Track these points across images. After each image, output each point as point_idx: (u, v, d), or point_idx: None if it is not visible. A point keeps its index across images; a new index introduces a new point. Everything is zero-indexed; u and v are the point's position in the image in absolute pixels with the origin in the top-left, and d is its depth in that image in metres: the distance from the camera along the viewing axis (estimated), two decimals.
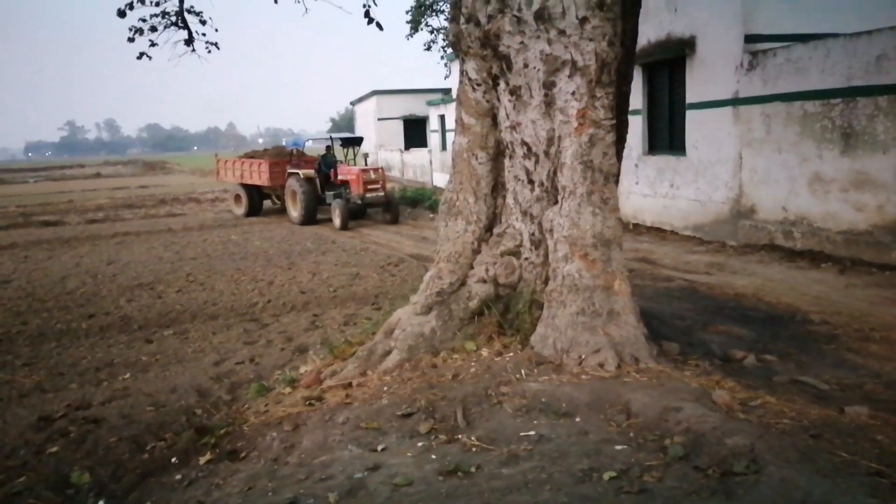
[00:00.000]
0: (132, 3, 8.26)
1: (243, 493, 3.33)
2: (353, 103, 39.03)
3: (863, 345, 5.09)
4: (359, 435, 3.83)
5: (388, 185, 16.89)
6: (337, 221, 15.33)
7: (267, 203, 18.69)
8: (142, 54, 8.67)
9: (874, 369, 4.56)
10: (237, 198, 18.67)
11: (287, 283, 9.36)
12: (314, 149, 19.70)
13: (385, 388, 4.38)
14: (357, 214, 16.07)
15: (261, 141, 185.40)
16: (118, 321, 7.75)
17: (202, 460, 3.98)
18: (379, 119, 31.90)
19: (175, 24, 8.87)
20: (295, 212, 16.38)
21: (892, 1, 9.46)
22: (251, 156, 18.81)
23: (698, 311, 6.13)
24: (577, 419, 3.65)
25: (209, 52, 9.41)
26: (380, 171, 16.05)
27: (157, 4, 8.54)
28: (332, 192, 15.93)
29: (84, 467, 4.21)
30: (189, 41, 9.08)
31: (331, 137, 17.87)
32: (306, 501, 3.10)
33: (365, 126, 34.71)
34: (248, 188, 18.16)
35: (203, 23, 9.13)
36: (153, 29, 8.60)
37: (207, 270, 10.55)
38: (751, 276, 7.99)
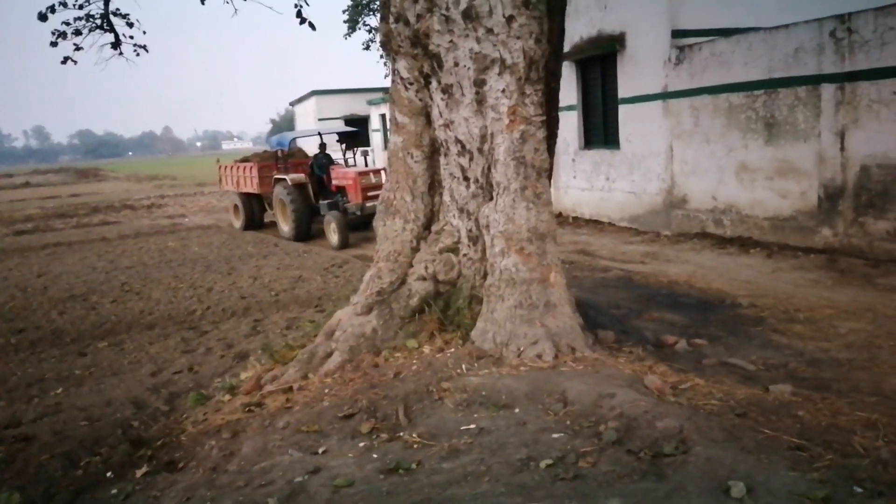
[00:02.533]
0: (54, 5, 7.94)
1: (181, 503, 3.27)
2: (292, 104, 38.50)
3: (788, 326, 5.33)
4: (299, 439, 3.80)
5: None
6: (334, 238, 12.36)
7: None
8: (66, 59, 8.35)
9: (798, 349, 4.78)
10: (235, 208, 16.27)
11: (227, 288, 9.18)
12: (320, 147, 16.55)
13: (326, 391, 4.36)
14: (358, 227, 12.71)
15: (198, 144, 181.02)
16: (49, 335, 7.46)
17: (139, 473, 3.88)
18: (319, 119, 31.52)
19: (100, 26, 8.57)
20: (285, 225, 13.85)
21: None
22: (245, 160, 16.33)
23: (633, 300, 6.31)
24: (517, 410, 3.70)
25: (137, 55, 9.13)
26: (381, 172, 12.64)
27: (81, 7, 8.23)
28: (326, 202, 13.01)
29: (14, 487, 4.05)
30: (116, 44, 8.79)
31: (319, 133, 14.81)
32: None
33: (305, 127, 34.25)
34: (246, 197, 15.71)
35: (130, 25, 8.84)
36: (77, 32, 8.29)
37: (144, 279, 10.26)
38: (684, 263, 8.26)
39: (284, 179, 13.56)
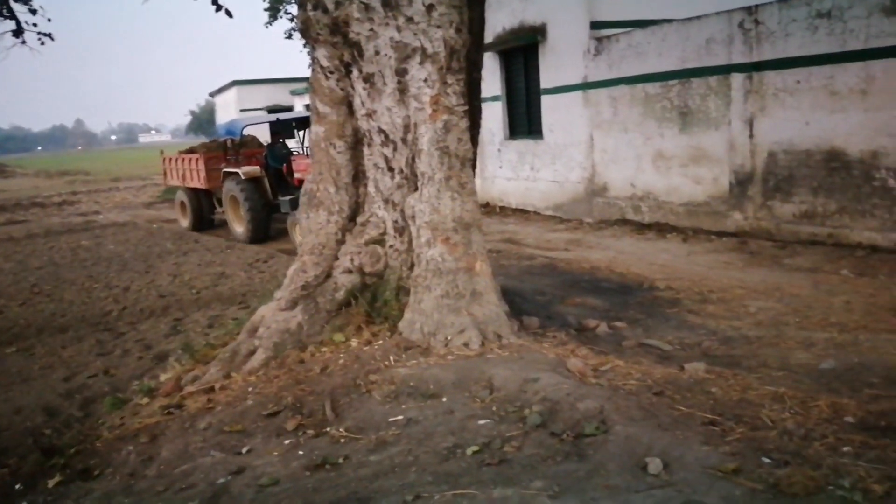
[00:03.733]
0: None
1: None
2: (212, 94, 37.30)
3: (702, 306, 5.57)
4: (222, 439, 3.70)
5: None
6: (298, 238, 10.91)
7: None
8: None
9: (711, 328, 5.00)
10: (182, 206, 14.41)
11: (145, 287, 8.83)
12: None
13: (250, 389, 4.25)
14: None
15: (113, 138, 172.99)
16: None
17: (51, 483, 3.68)
18: (241, 110, 30.68)
19: (0, 13, 8.04)
20: (239, 226, 12.13)
21: None
22: (191, 150, 14.31)
23: (557, 286, 6.44)
24: (444, 399, 3.72)
25: (42, 43, 8.62)
26: None
27: None
28: (287, 198, 10.89)
29: None
30: (18, 32, 8.26)
31: (278, 120, 12.49)
32: None
33: (227, 118, 33.27)
34: (193, 193, 13.83)
35: (33, 12, 8.31)
36: None
37: (55, 280, 9.74)
38: (605, 249, 8.50)
39: (236, 173, 11.72)
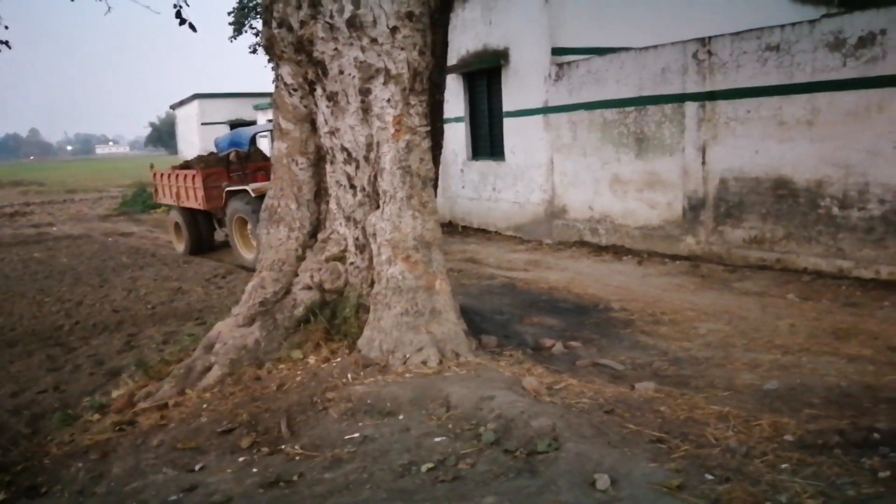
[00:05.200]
0: None
1: None
2: (173, 107, 36.77)
3: (654, 327, 5.71)
4: (175, 456, 3.66)
5: None
6: None
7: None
8: None
9: (662, 349, 5.14)
10: (176, 227, 12.75)
11: (98, 302, 8.64)
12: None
13: (204, 406, 4.22)
14: None
15: (69, 148, 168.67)
16: None
17: None
18: (203, 123, 30.34)
19: None
20: (247, 251, 10.71)
21: (676, 19, 10.70)
22: (186, 166, 12.74)
23: (516, 306, 6.53)
24: (401, 417, 3.75)
25: None
26: None
27: None
28: None
29: None
30: None
31: None
32: None
33: (188, 131, 32.88)
34: (189, 214, 12.24)
35: None
36: None
37: (5, 293, 9.47)
38: (563, 270, 8.64)
39: (244, 191, 10.34)
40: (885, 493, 2.59)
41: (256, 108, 28.61)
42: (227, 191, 10.90)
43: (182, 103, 34.01)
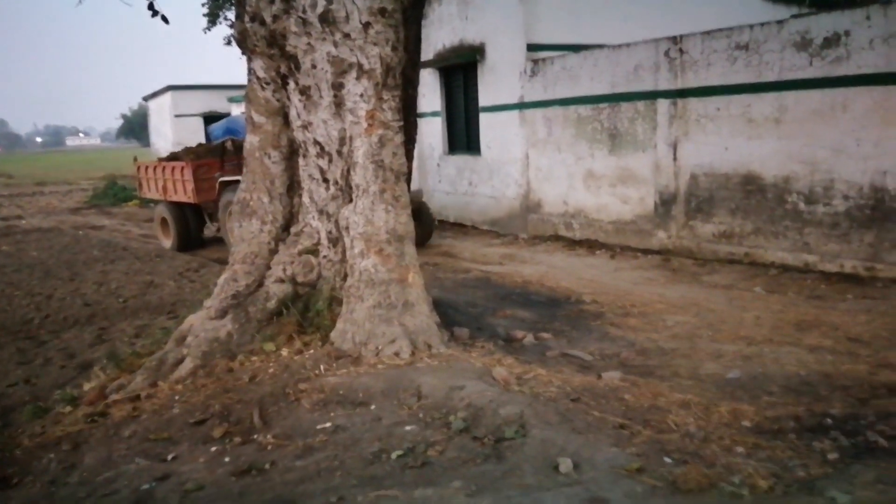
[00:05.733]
0: None
1: None
2: (146, 99, 36.31)
3: (623, 319, 5.83)
4: (147, 447, 3.69)
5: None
6: None
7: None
8: None
9: (630, 340, 5.26)
10: (163, 223, 12.14)
11: (69, 295, 8.56)
12: None
13: (177, 398, 4.24)
14: None
15: (39, 140, 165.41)
16: None
17: None
18: (176, 115, 30.02)
19: None
20: None
21: (649, 17, 10.85)
22: (173, 157, 12.29)
23: (489, 299, 6.62)
24: (373, 406, 3.81)
25: None
26: None
27: None
28: None
29: None
30: None
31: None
32: None
33: (161, 123, 32.52)
34: (177, 208, 11.70)
35: None
36: None
37: None
38: (537, 264, 8.75)
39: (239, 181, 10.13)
40: (833, 473, 2.71)
41: (231, 100, 28.36)
42: (222, 181, 10.39)
43: (155, 95, 33.60)
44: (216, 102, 29.46)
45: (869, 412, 3.49)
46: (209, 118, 29.94)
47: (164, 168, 11.66)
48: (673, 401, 3.66)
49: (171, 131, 30.21)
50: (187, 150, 12.28)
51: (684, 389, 3.98)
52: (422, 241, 9.84)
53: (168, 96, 30.67)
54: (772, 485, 2.61)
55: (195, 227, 11.86)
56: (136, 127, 73.50)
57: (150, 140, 37.85)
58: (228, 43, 27.24)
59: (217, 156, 11.18)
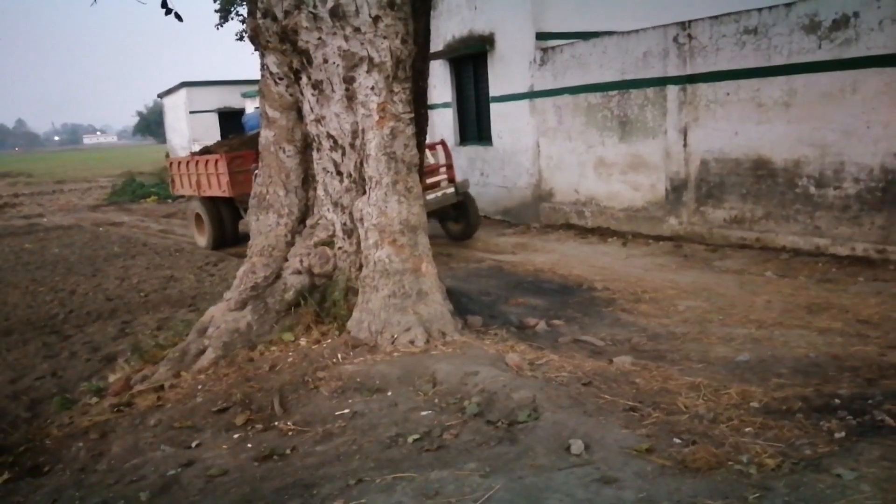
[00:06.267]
0: None
1: None
2: (160, 96, 36.58)
3: (635, 305, 5.89)
4: (172, 435, 3.82)
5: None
6: None
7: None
8: None
9: (642, 325, 5.32)
10: (197, 219, 11.72)
11: (92, 290, 8.75)
12: None
13: (199, 387, 4.37)
14: None
15: (56, 139, 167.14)
16: None
17: None
18: (191, 112, 30.24)
19: None
20: None
21: (657, 3, 10.81)
22: (206, 151, 11.85)
23: (502, 287, 6.70)
24: (389, 393, 3.92)
25: None
26: (440, 147, 9.91)
27: None
28: None
29: None
30: None
31: None
32: (117, 503, 3.08)
33: (176, 120, 32.76)
34: (212, 204, 11.26)
35: None
36: None
37: None
38: (549, 253, 8.81)
39: None
40: (839, 451, 2.77)
41: (244, 95, 28.52)
42: (257, 173, 10.11)
43: (169, 92, 33.84)
44: (230, 98, 29.64)
45: (877, 392, 3.53)
46: (224, 114, 30.19)
47: (197, 162, 11.26)
48: (683, 384, 3.73)
49: (187, 128, 30.45)
50: (220, 144, 11.98)
51: (694, 373, 4.04)
52: (467, 235, 10.03)
53: (183, 93, 30.89)
54: (779, 463, 2.68)
55: (231, 223, 11.51)
56: (152, 124, 73.99)
57: (165, 137, 38.14)
58: (241, 39, 27.37)
59: (252, 147, 10.58)
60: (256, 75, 5.59)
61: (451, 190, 9.42)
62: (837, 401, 3.39)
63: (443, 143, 9.95)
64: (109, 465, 3.59)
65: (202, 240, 11.64)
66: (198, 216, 11.60)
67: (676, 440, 2.95)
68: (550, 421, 3.17)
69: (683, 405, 3.39)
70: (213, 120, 30.35)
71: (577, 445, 2.88)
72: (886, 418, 3.09)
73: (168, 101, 34.82)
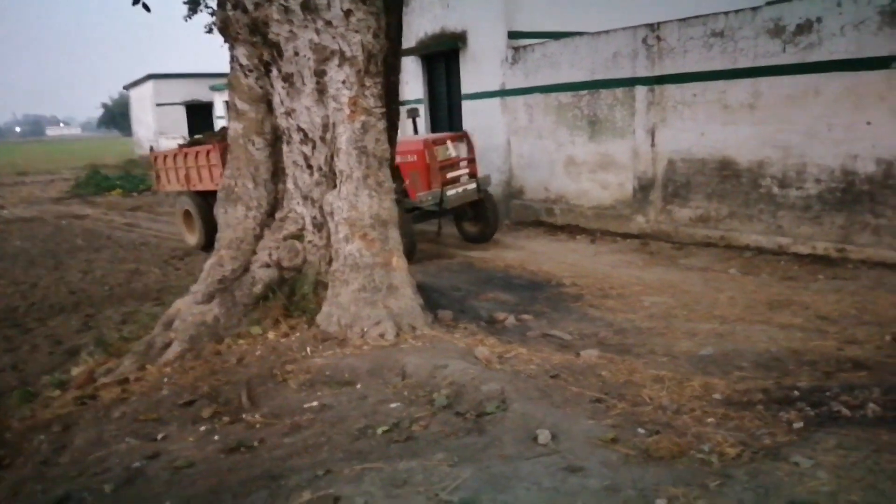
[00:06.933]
0: None
1: (8, 499, 3.16)
2: (127, 87, 35.94)
3: (602, 301, 5.98)
4: (137, 427, 3.77)
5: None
6: None
7: None
8: None
9: (608, 320, 5.40)
10: (186, 216, 10.68)
11: (54, 283, 8.56)
12: None
13: (165, 380, 4.32)
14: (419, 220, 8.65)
15: (18, 130, 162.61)
16: None
17: None
18: (158, 104, 29.78)
19: None
20: None
21: (628, 4, 10.96)
22: (195, 142, 10.70)
23: (472, 283, 6.74)
24: (358, 386, 3.92)
25: None
26: (464, 137, 9.10)
27: None
28: None
29: None
30: None
31: None
32: (80, 495, 3.04)
33: (142, 112, 32.26)
34: (203, 199, 10.17)
35: None
36: None
37: None
38: (519, 249, 8.87)
39: None
40: (798, 441, 2.86)
41: (213, 88, 28.15)
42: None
43: (136, 84, 33.28)
44: (198, 91, 29.26)
45: (834, 385, 3.64)
46: (192, 107, 29.79)
47: (185, 154, 10.32)
48: (647, 376, 3.81)
49: (153, 120, 30.00)
50: (210, 133, 11.20)
51: (659, 366, 4.12)
52: (485, 237, 9.17)
53: (150, 85, 30.41)
54: (739, 452, 2.75)
55: None
56: (117, 116, 72.56)
57: (131, 129, 37.43)
58: (209, 31, 26.95)
59: None
60: (226, 68, 5.54)
61: (474, 185, 8.76)
62: (796, 393, 3.49)
63: (466, 133, 9.17)
64: (72, 457, 3.52)
65: (192, 238, 10.65)
66: (187, 213, 10.67)
67: (641, 430, 3.01)
68: (518, 412, 3.20)
69: (648, 397, 3.46)
70: (181, 113, 29.94)
71: (544, 435, 2.92)
72: (843, 409, 3.19)
73: (134, 93, 34.23)
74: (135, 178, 21.84)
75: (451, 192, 8.28)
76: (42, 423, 3.96)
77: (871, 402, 3.22)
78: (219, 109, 28.06)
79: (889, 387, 3.46)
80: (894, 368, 3.95)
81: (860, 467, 2.49)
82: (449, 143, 8.66)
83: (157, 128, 29.60)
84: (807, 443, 2.82)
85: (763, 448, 2.82)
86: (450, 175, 8.47)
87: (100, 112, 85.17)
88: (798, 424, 3.07)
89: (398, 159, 8.02)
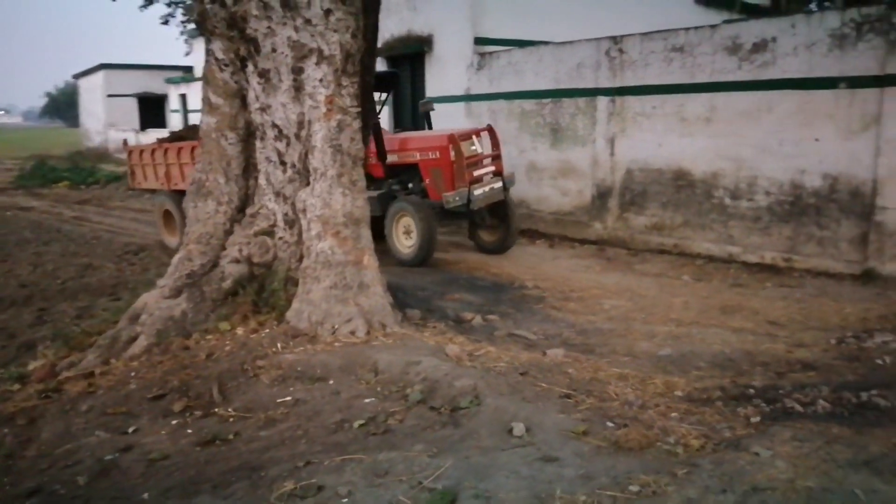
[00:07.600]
0: None
1: None
2: (76, 77, 34.79)
3: (564, 303, 6.15)
4: (106, 420, 3.74)
5: None
6: (404, 249, 7.90)
7: None
8: None
9: (571, 321, 5.57)
10: (166, 216, 9.94)
11: (2, 276, 8.29)
12: None
13: (132, 374, 4.28)
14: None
15: None
16: None
17: None
18: (109, 95, 28.94)
19: None
20: None
21: (592, 16, 11.25)
22: (177, 138, 10.03)
23: (437, 283, 6.83)
24: (331, 382, 3.96)
25: None
26: (488, 131, 8.35)
27: None
28: (378, 192, 8.15)
29: None
30: None
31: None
32: (52, 487, 3.01)
33: (91, 103, 31.26)
34: (182, 197, 8.93)
35: None
36: None
37: None
38: (481, 252, 9.01)
39: None
40: (756, 433, 3.05)
41: (168, 81, 27.55)
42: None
43: (86, 73, 32.25)
44: (152, 83, 28.55)
45: (786, 384, 3.87)
46: (144, 99, 29.05)
47: (166, 150, 9.61)
48: (612, 374, 3.97)
49: (103, 111, 29.14)
50: (191, 128, 10.57)
51: (622, 365, 4.30)
52: (504, 246, 8.46)
53: (101, 75, 29.51)
54: (703, 444, 2.93)
55: None
56: (62, 106, 70.09)
57: (78, 120, 36.23)
58: (165, 22, 26.42)
59: None
60: (181, 61, 5.50)
61: (500, 184, 7.96)
62: (752, 390, 3.70)
63: (490, 128, 8.39)
64: (40, 450, 3.47)
65: (173, 240, 9.65)
66: (167, 213, 9.91)
67: (609, 423, 3.16)
68: (492, 406, 3.31)
69: (614, 393, 3.61)
70: (133, 105, 29.19)
71: (518, 428, 3.03)
72: (796, 405, 3.41)
73: (84, 83, 33.17)
74: (83, 170, 21.18)
75: (477, 191, 7.61)
76: (5, 417, 3.86)
77: (822, 399, 3.45)
78: (173, 103, 27.47)
79: (837, 385, 3.70)
80: (841, 370, 4.21)
81: (814, 457, 2.69)
82: (473, 138, 7.98)
83: (107, 119, 28.78)
84: (764, 435, 3.01)
85: (724, 440, 3.00)
86: (476, 173, 7.81)
87: (43, 101, 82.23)
88: (755, 419, 3.26)
89: (417, 156, 7.95)
